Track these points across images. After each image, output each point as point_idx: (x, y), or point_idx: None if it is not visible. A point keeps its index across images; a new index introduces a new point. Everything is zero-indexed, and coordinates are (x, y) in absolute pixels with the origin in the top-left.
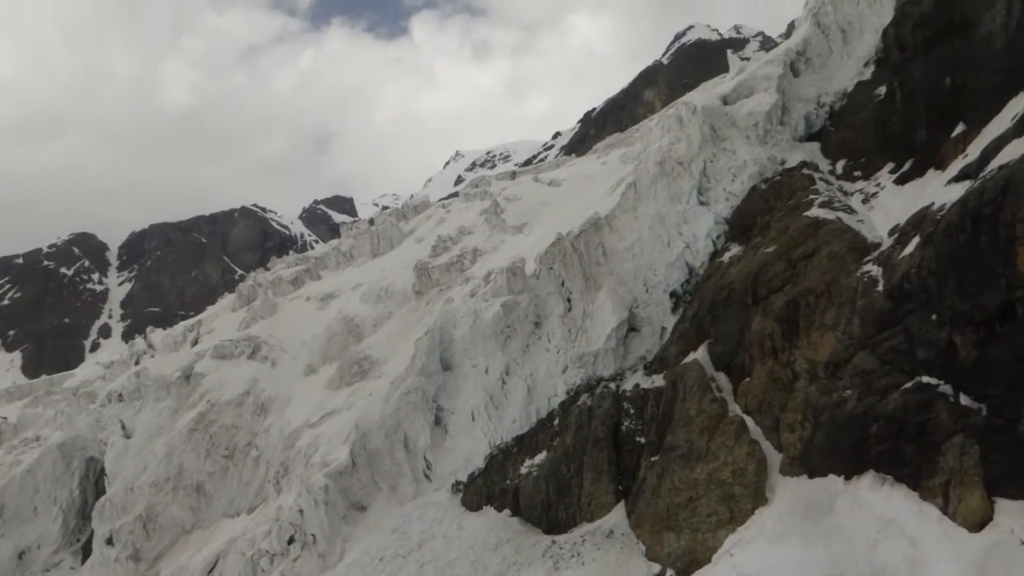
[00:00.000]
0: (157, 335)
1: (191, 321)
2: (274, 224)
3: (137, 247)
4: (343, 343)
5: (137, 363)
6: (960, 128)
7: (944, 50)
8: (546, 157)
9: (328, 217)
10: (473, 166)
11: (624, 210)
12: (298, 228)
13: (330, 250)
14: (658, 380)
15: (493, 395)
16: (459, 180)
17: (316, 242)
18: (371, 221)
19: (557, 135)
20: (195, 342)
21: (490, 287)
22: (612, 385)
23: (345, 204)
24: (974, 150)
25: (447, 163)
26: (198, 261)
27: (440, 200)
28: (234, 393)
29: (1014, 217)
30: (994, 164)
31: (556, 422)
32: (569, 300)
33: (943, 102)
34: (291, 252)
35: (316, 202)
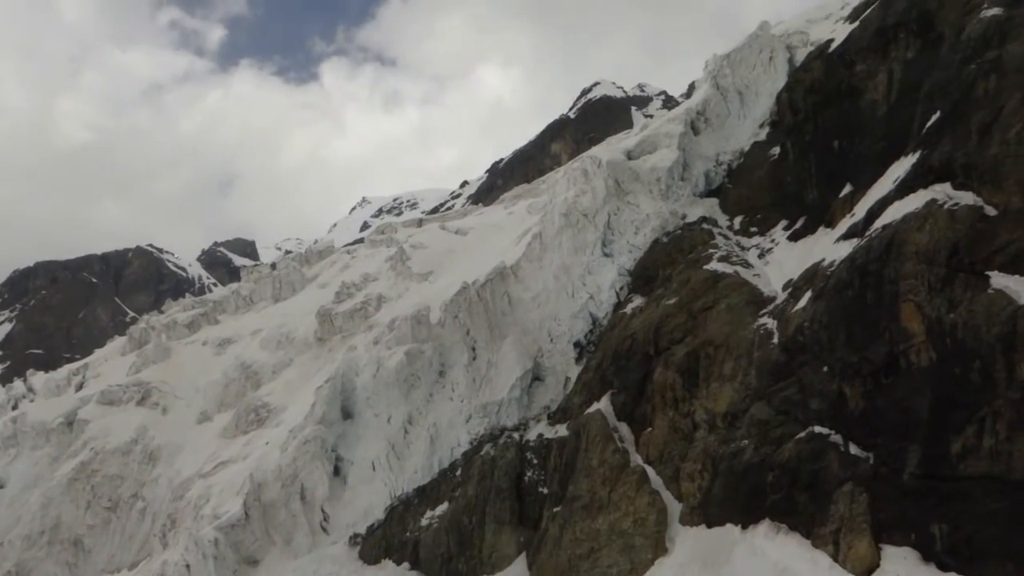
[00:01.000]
0: (38, 378)
1: (76, 364)
2: (170, 265)
3: (20, 285)
4: (240, 390)
5: (15, 408)
6: (848, 189)
7: (833, 115)
8: (453, 205)
9: (228, 260)
10: (380, 212)
11: (530, 260)
12: (196, 270)
13: (229, 294)
14: (561, 430)
15: (395, 445)
16: (365, 226)
17: (215, 285)
18: (273, 265)
19: (465, 184)
20: (80, 386)
21: (394, 335)
22: (516, 435)
23: (247, 247)
24: (861, 210)
25: (353, 209)
26: (87, 302)
27: (345, 246)
28: (120, 441)
29: (898, 274)
30: (878, 224)
31: (458, 472)
32: (474, 349)
33: (832, 164)
34: (188, 295)
35: (216, 244)
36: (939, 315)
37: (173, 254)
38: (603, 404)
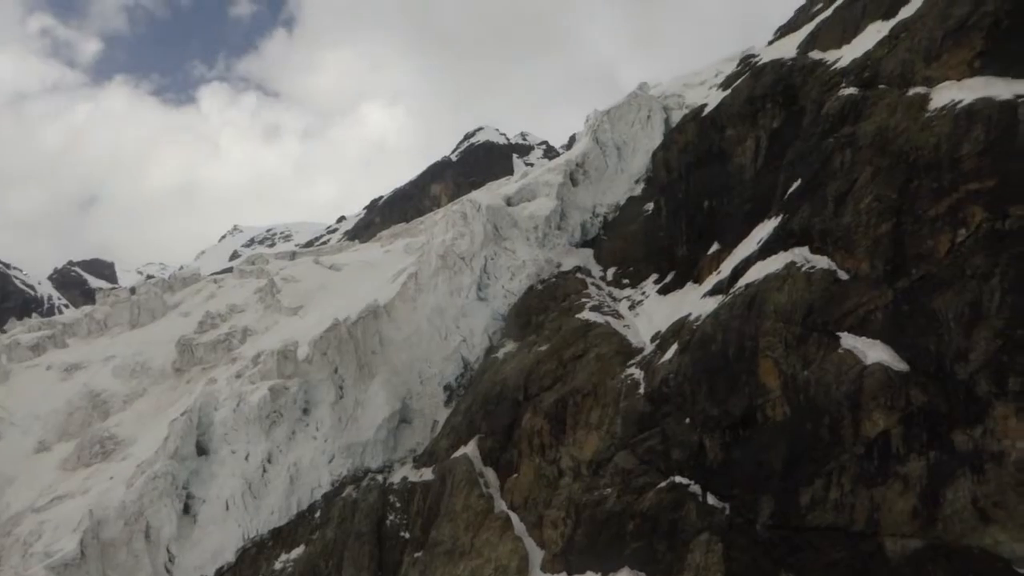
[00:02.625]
0: None
1: None
2: (17, 282)
3: None
4: (85, 419)
5: None
6: (715, 247)
7: (704, 175)
8: (329, 240)
9: (84, 281)
10: (251, 242)
11: (404, 300)
12: (46, 289)
13: (82, 316)
14: (427, 473)
15: (252, 483)
16: (235, 255)
17: (67, 307)
18: (133, 290)
19: (342, 219)
20: None
21: (258, 369)
22: (380, 477)
23: (105, 269)
24: (727, 268)
25: (223, 237)
26: None
27: (212, 274)
28: None
29: (757, 331)
30: (742, 282)
31: (318, 514)
32: (342, 388)
33: (702, 222)
34: (35, 315)
35: (71, 264)
36: (794, 372)
37: (21, 270)
38: (470, 448)
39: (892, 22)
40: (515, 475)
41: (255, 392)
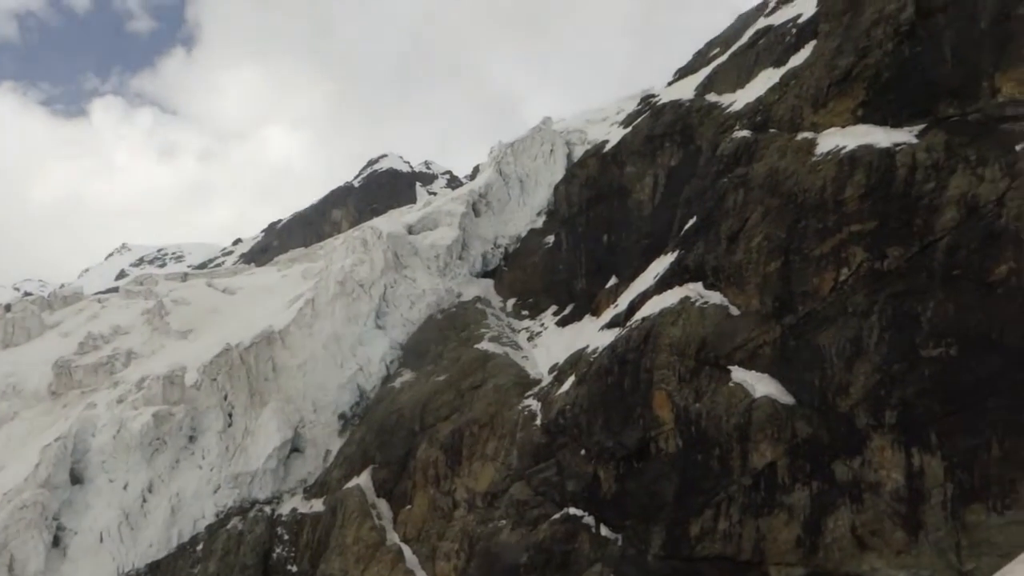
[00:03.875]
0: None
1: None
2: None
3: None
4: None
5: None
6: (613, 280)
7: (604, 210)
8: (224, 263)
9: None
10: (141, 262)
11: (300, 326)
12: None
13: None
14: (317, 505)
15: (130, 514)
16: (122, 274)
17: None
18: (8, 307)
19: (238, 241)
20: None
21: (142, 394)
22: (268, 509)
23: None
24: (624, 301)
25: (111, 255)
26: None
27: (97, 294)
28: None
29: (652, 364)
30: (639, 316)
31: (200, 547)
32: (231, 415)
33: (601, 256)
34: None
35: None
36: (687, 404)
37: None
38: (363, 479)
39: (783, 70)
40: (409, 507)
41: (137, 418)
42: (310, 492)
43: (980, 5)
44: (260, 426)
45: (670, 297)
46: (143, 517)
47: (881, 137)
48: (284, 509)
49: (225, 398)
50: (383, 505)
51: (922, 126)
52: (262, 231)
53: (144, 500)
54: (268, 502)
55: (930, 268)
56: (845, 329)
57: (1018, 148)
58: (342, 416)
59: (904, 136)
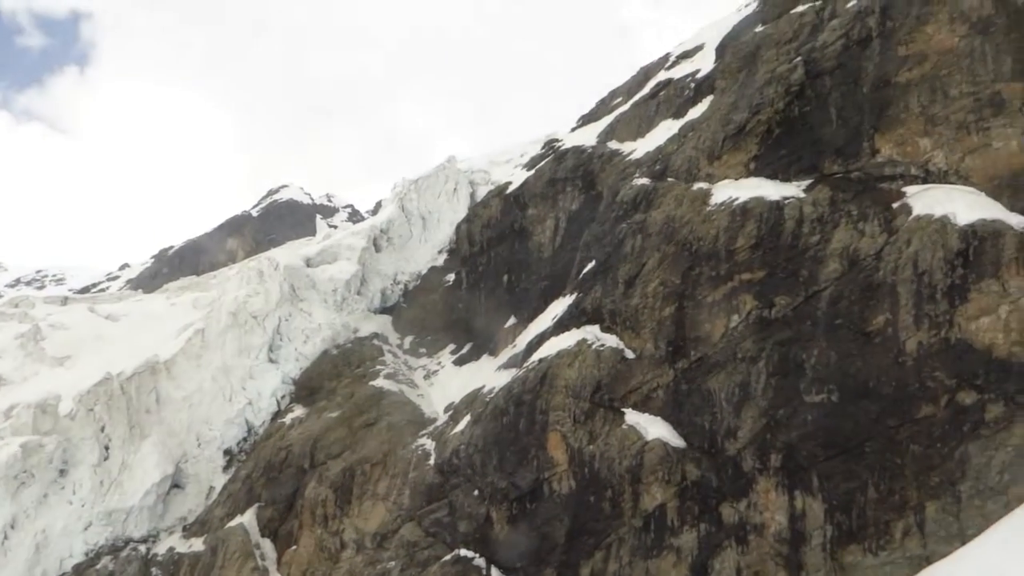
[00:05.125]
0: None
1: None
2: None
3: None
4: None
5: None
6: (512, 320)
7: (505, 251)
8: (109, 288)
9: None
10: (17, 283)
11: (187, 357)
12: None
13: None
14: (197, 544)
15: None
16: None
17: None
18: None
19: (125, 267)
20: None
21: (10, 423)
22: (142, 548)
23: None
24: (522, 342)
25: None
26: None
27: None
28: None
29: (548, 406)
30: (536, 356)
31: None
32: (107, 448)
33: (500, 296)
34: None
35: None
36: (581, 446)
37: None
38: (247, 518)
39: (681, 121)
40: (294, 547)
41: (3, 449)
42: (190, 531)
43: (863, 71)
44: (139, 460)
45: (567, 339)
46: (3, 555)
47: (771, 190)
48: (160, 548)
49: (102, 429)
50: (267, 545)
51: (809, 181)
52: (152, 257)
53: (6, 536)
54: (143, 541)
55: (814, 317)
56: (734, 374)
57: (895, 206)
58: (228, 452)
59: (792, 190)
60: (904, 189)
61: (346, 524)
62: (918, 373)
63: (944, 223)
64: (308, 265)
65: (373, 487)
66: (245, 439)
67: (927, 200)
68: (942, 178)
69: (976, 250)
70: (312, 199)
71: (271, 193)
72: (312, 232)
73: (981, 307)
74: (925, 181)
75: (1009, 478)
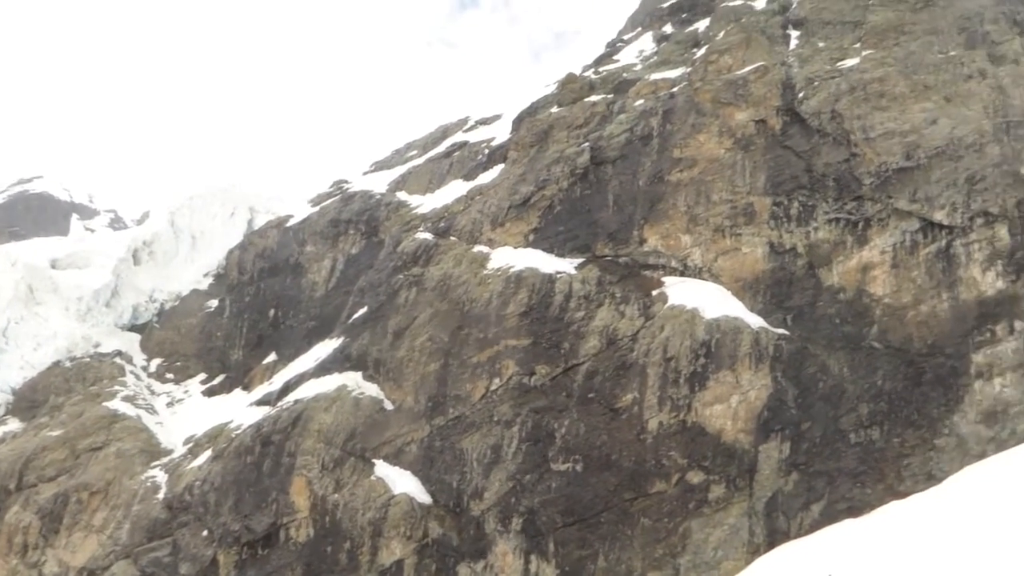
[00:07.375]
0: None
1: None
2: None
3: None
4: None
5: None
6: (272, 357)
7: (276, 284)
8: None
9: None
10: None
11: None
12: None
13: None
14: None
15: None
16: None
17: None
18: None
19: None
20: None
21: None
22: None
23: None
24: (279, 380)
25: None
26: None
27: None
28: None
29: (297, 448)
30: (292, 397)
31: None
32: None
33: (264, 329)
34: None
35: None
36: (326, 494)
37: None
38: None
39: (471, 184)
40: None
41: None
42: None
43: (641, 165)
44: None
45: (328, 383)
46: None
47: (546, 263)
48: None
49: None
50: None
51: (581, 260)
52: None
53: None
54: None
55: (570, 389)
56: (488, 436)
57: (654, 293)
58: None
59: (566, 266)
60: (664, 279)
61: (48, 556)
62: (656, 451)
63: (694, 315)
64: (54, 267)
65: (88, 517)
66: None
67: (682, 291)
68: (697, 273)
69: (718, 343)
70: (71, 196)
71: (22, 182)
72: (65, 232)
73: (716, 395)
74: (683, 274)
75: (722, 554)
